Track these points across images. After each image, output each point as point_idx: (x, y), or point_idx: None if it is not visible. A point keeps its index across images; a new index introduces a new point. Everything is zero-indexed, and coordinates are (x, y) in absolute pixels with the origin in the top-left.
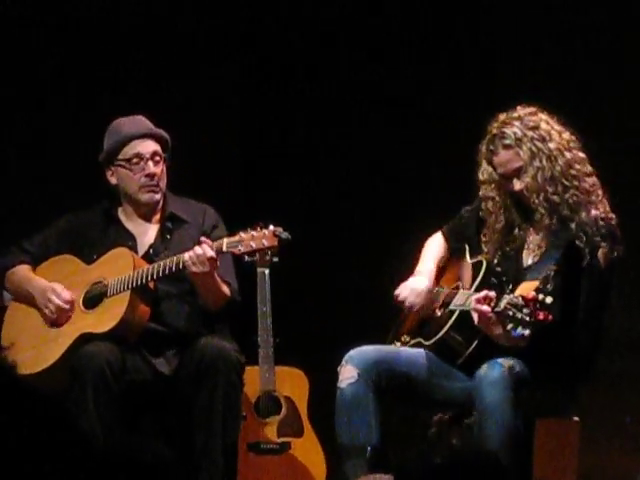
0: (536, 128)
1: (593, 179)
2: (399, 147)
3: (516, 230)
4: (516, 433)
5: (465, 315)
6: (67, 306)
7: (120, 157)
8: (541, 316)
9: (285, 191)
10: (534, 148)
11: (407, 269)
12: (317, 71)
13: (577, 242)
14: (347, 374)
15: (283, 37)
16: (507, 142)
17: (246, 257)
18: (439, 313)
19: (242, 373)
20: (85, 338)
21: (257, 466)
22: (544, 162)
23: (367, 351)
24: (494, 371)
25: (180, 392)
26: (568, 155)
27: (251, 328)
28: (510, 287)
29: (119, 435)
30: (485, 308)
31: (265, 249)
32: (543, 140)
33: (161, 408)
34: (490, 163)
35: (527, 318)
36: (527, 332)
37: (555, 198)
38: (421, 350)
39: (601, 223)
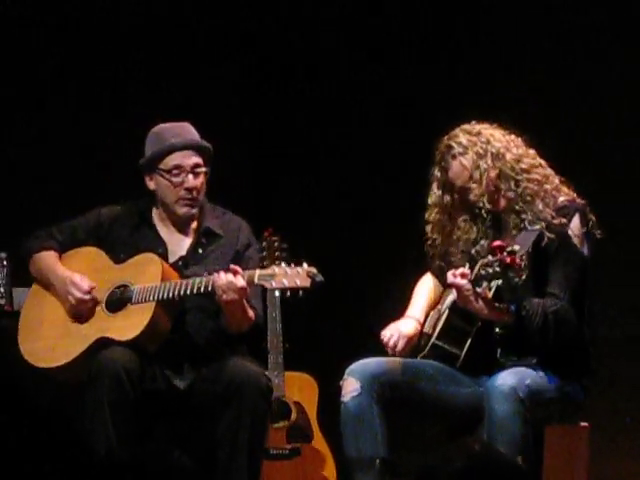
0: (479, 134)
1: (546, 170)
2: (399, 147)
3: (483, 240)
4: (526, 446)
5: (453, 318)
6: (87, 297)
7: (161, 167)
8: (508, 260)
9: (285, 191)
10: (480, 150)
11: (407, 271)
12: (317, 71)
13: (536, 231)
14: (350, 387)
15: (283, 37)
16: (455, 152)
17: (276, 292)
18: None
19: (270, 399)
20: (103, 342)
21: (267, 472)
22: (490, 161)
23: (369, 363)
24: (505, 383)
25: (197, 406)
26: (515, 151)
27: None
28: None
29: (133, 442)
30: (461, 281)
31: (297, 289)
32: (488, 142)
33: (176, 419)
34: (442, 186)
35: (498, 269)
36: (501, 282)
37: (510, 194)
38: (423, 360)
39: (564, 204)
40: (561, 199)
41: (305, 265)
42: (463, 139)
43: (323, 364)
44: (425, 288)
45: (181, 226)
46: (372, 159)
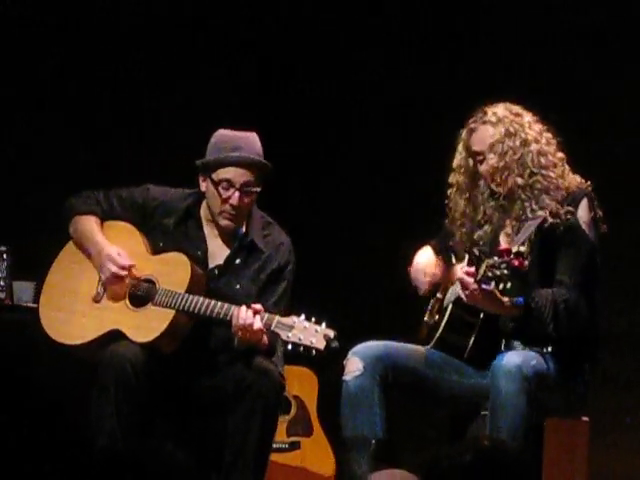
0: (518, 115)
1: (564, 170)
2: (399, 147)
3: (487, 225)
4: (528, 424)
5: (458, 311)
6: (123, 272)
7: (213, 176)
8: (516, 262)
9: (285, 191)
10: (511, 129)
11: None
12: (317, 71)
13: (539, 218)
14: (352, 367)
15: (283, 37)
16: (487, 118)
17: (290, 345)
18: (436, 317)
19: (282, 395)
20: (117, 334)
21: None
22: (517, 143)
23: (373, 345)
24: (511, 362)
25: (207, 403)
26: (544, 146)
27: None
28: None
29: (136, 436)
30: (468, 279)
31: (310, 348)
32: (522, 126)
33: (181, 418)
34: (466, 148)
35: (505, 271)
36: (509, 285)
37: (519, 180)
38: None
39: (573, 190)
40: (565, 190)
41: (324, 325)
42: (500, 112)
43: (323, 358)
44: (425, 250)
45: (224, 234)
46: (372, 159)
